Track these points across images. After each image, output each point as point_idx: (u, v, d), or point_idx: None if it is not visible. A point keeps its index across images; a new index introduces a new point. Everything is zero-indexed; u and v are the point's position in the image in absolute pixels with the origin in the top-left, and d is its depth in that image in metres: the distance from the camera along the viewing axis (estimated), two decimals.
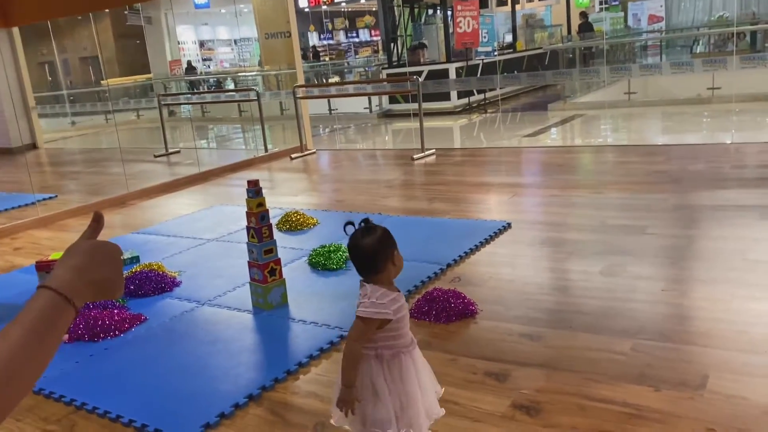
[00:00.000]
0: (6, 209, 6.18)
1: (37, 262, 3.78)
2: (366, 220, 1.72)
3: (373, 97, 12.08)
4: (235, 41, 20.96)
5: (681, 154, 5.98)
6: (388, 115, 11.95)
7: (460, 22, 11.42)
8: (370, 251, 1.68)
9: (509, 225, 4.15)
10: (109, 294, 0.87)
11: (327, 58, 18.83)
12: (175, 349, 2.86)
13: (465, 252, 3.69)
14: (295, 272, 3.63)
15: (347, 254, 3.75)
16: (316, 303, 3.21)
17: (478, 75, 11.59)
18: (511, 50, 14.03)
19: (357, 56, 20.46)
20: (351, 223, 1.72)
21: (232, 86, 15.42)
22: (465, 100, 11.59)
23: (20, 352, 0.74)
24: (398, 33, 12.99)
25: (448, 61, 12.00)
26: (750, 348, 2.38)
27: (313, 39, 21.90)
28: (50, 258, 3.79)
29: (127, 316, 3.15)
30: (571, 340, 2.60)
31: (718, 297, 2.84)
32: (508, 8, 14.40)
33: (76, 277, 0.83)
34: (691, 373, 2.25)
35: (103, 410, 2.37)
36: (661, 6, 14.49)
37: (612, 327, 2.66)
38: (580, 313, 2.82)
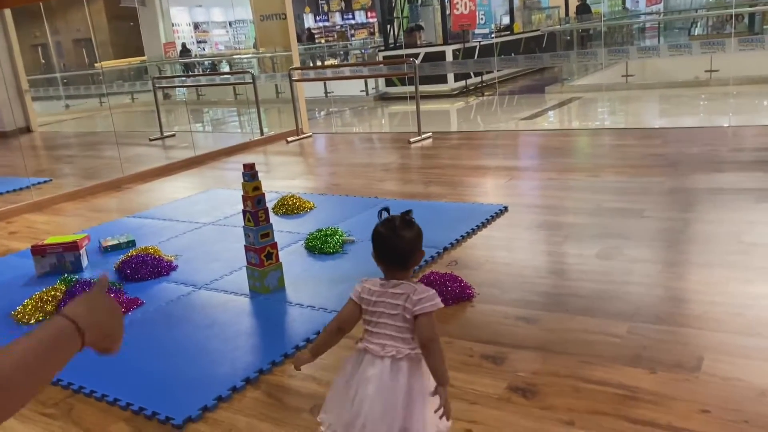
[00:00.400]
0: (0, 193, 6.15)
1: (32, 246, 3.77)
2: (408, 212, 1.64)
3: (369, 80, 12.01)
4: (230, 23, 20.78)
5: (678, 137, 5.97)
6: (384, 98, 11.90)
7: (457, 3, 11.33)
8: (409, 246, 1.61)
9: (506, 208, 4.15)
10: (110, 342, 0.96)
11: (323, 40, 18.69)
12: (172, 333, 2.86)
13: (462, 236, 3.69)
14: (291, 256, 3.63)
15: (343, 238, 3.75)
16: (313, 287, 3.21)
17: (475, 57, 11.53)
18: (508, 32, 13.95)
19: (353, 38, 20.32)
20: (387, 209, 1.66)
21: (227, 69, 15.31)
22: (462, 83, 11.54)
23: (24, 363, 0.80)
24: (395, 15, 12.89)
25: (445, 43, 11.93)
26: (745, 330, 2.39)
27: (309, 21, 21.74)
28: (46, 242, 3.78)
29: (123, 300, 3.15)
30: (567, 322, 2.61)
31: (714, 280, 2.85)
32: None
33: (90, 316, 0.91)
34: (687, 355, 2.26)
35: (101, 393, 2.38)
36: None
37: (608, 310, 2.67)
38: (576, 296, 2.83)
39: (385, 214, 1.65)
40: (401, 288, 1.60)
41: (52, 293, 3.21)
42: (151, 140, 8.70)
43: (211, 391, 2.31)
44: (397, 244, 1.61)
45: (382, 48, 12.71)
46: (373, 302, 1.62)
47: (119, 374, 2.52)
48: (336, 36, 20.06)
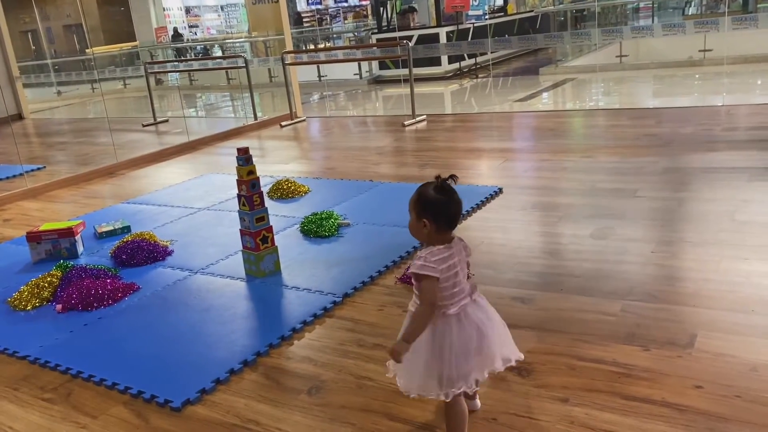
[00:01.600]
0: None
1: (28, 233, 3.77)
2: (454, 176, 1.70)
3: (362, 63, 11.94)
4: (222, 7, 20.59)
5: (672, 117, 5.98)
6: (378, 81, 11.85)
7: None
8: (461, 207, 1.70)
9: (500, 190, 4.16)
10: None
11: (315, 24, 18.53)
12: (169, 318, 2.87)
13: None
14: (287, 240, 3.63)
15: (339, 221, 3.76)
16: (309, 270, 3.22)
17: (469, 39, 11.47)
18: (502, 13, 13.88)
19: (346, 21, 20.16)
20: (438, 176, 1.71)
21: (219, 53, 15.20)
22: (456, 65, 11.49)
23: None
24: None
25: (439, 25, 11.87)
26: (737, 307, 2.41)
27: (301, 4, 21.54)
28: (41, 229, 3.77)
29: (120, 285, 3.15)
30: (561, 302, 2.63)
31: (707, 258, 2.87)
32: None
33: None
34: (680, 332, 2.29)
35: (99, 378, 2.39)
36: None
37: (602, 289, 2.69)
38: (571, 276, 2.85)
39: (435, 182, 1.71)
40: (459, 245, 1.72)
41: (48, 279, 3.21)
42: (144, 126, 8.66)
43: (209, 374, 2.33)
44: (453, 208, 1.68)
45: (375, 30, 12.63)
46: (452, 266, 1.68)
47: (117, 358, 2.54)
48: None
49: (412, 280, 1.71)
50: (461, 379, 1.69)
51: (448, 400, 1.70)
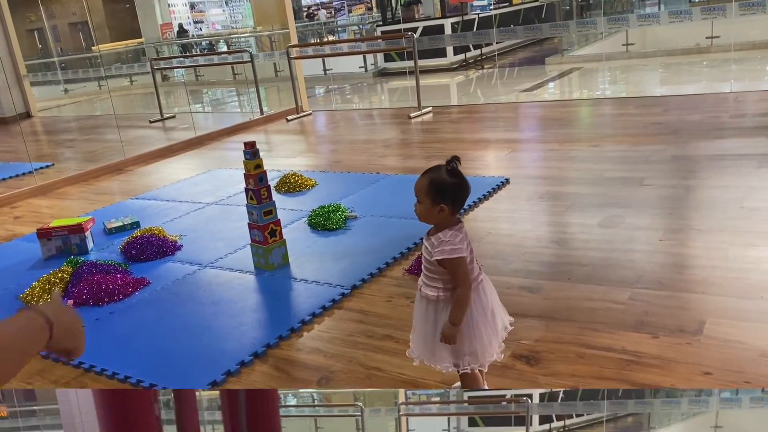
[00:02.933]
0: (3, 179, 6.17)
1: (38, 230, 3.80)
2: (457, 158, 1.71)
3: (368, 56, 11.93)
4: (226, 2, 20.57)
5: (679, 104, 5.95)
6: (383, 74, 11.83)
7: None
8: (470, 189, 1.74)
9: (507, 180, 4.16)
10: (74, 341, 0.97)
11: (311, 20, 18.48)
12: (180, 311, 2.90)
13: (464, 208, 3.69)
14: (295, 233, 3.65)
15: (346, 214, 3.77)
16: (317, 262, 3.23)
17: (474, 30, 11.43)
18: (507, 3, 13.82)
19: (350, 14, 20.10)
20: (450, 160, 1.73)
21: (224, 49, 15.21)
22: (461, 56, 11.46)
23: (9, 345, 0.83)
24: None
25: (444, 16, 11.84)
26: (746, 294, 2.41)
27: None
28: (51, 225, 3.80)
29: (130, 280, 3.18)
30: (569, 291, 2.63)
31: (715, 245, 2.86)
32: None
33: (57, 314, 0.93)
34: (689, 319, 2.29)
35: (112, 372, 2.41)
36: None
37: (610, 277, 2.69)
38: (579, 265, 2.85)
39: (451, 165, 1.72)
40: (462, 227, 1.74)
41: (60, 275, 3.24)
42: (151, 122, 8.69)
43: (219, 367, 2.35)
44: (466, 191, 1.70)
45: (380, 23, 12.60)
46: (468, 244, 1.72)
47: (130, 352, 2.56)
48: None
49: (437, 265, 1.70)
50: (487, 347, 1.77)
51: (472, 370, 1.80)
